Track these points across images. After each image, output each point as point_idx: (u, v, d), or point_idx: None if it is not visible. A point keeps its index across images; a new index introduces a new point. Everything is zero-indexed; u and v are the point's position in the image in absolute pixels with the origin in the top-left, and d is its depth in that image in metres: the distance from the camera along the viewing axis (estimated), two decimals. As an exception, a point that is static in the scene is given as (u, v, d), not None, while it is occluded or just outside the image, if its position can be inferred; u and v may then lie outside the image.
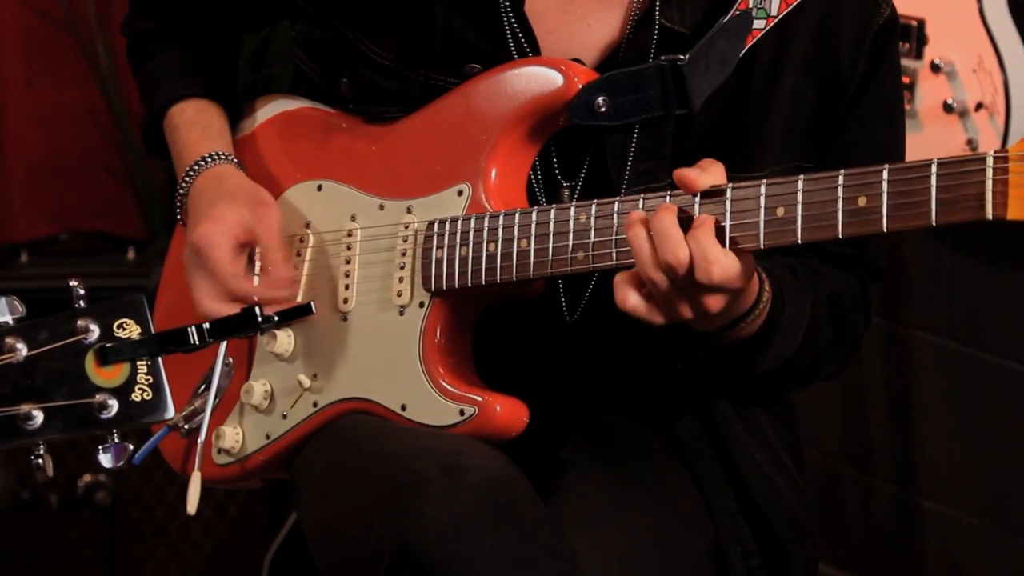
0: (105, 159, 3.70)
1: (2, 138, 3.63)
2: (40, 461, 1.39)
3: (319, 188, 2.00)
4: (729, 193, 1.70)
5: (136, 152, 3.66)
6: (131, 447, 1.43)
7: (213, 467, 1.99)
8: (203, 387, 1.96)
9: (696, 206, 1.72)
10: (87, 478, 3.07)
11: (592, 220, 1.80)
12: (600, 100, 1.85)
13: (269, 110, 2.09)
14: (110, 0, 3.58)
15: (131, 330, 1.42)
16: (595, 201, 1.80)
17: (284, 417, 1.96)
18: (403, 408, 1.88)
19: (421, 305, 1.90)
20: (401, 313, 1.91)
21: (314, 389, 1.94)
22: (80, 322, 1.41)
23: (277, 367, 1.97)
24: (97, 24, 3.58)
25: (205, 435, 1.95)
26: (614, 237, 1.78)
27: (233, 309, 1.83)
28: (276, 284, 1.90)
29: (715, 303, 1.69)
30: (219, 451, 1.98)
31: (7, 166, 3.63)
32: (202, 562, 3.22)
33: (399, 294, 1.91)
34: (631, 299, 1.73)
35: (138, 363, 1.42)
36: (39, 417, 1.39)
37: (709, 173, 1.71)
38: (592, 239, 1.79)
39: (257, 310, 1.48)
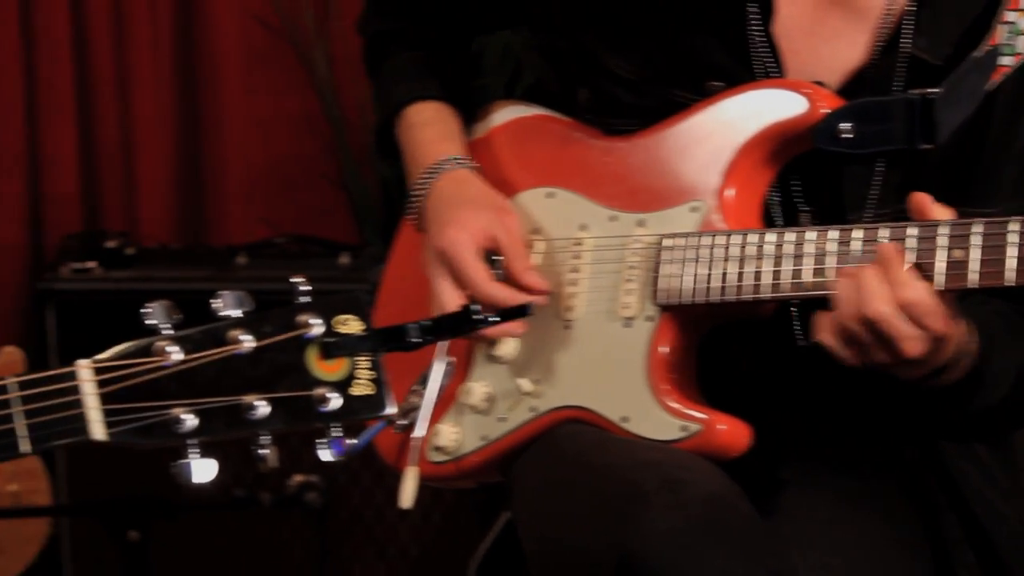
0: (320, 166, 3.75)
1: (222, 144, 3.70)
2: (264, 452, 1.41)
3: (551, 195, 2.01)
4: (947, 230, 1.68)
5: (351, 159, 3.71)
6: (350, 442, 1.44)
7: (427, 464, 2.00)
8: (419, 384, 1.97)
9: (914, 239, 1.70)
10: (298, 478, 3.11)
11: (829, 246, 1.78)
12: (845, 127, 1.83)
13: (504, 115, 2.10)
14: (328, 9, 3.64)
15: (352, 326, 1.43)
16: (836, 228, 1.78)
17: (502, 420, 1.96)
18: (624, 420, 1.88)
19: (649, 319, 1.89)
20: (627, 325, 1.91)
21: (534, 394, 1.94)
22: (303, 316, 1.43)
23: (497, 370, 1.97)
24: (316, 32, 3.63)
25: (424, 432, 1.97)
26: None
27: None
28: (517, 297, 1.90)
29: (914, 348, 1.68)
30: (435, 449, 1.99)
31: (226, 171, 3.70)
32: (409, 565, 3.24)
33: (626, 306, 1.91)
34: (826, 337, 1.72)
35: (359, 358, 1.43)
36: (263, 408, 1.40)
37: (941, 207, 1.70)
38: (827, 265, 1.77)
39: (474, 308, 1.48)
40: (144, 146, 3.66)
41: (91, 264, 3.32)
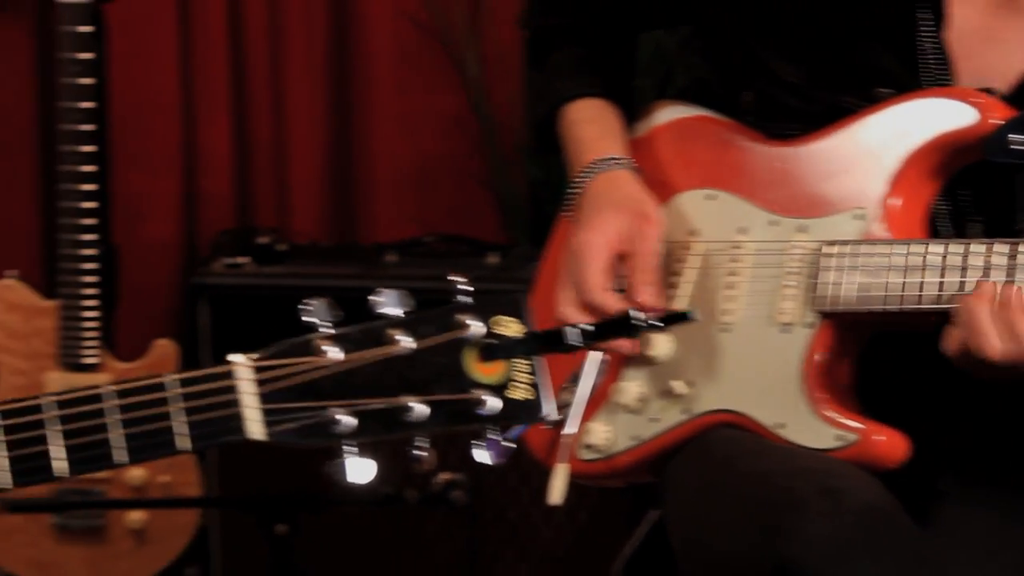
0: (469, 165, 3.75)
1: (372, 142, 3.72)
2: (421, 453, 1.41)
3: (710, 197, 1.99)
4: None
5: (499, 159, 3.71)
6: (507, 444, 1.43)
7: (578, 462, 1.99)
8: (571, 381, 1.97)
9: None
10: (444, 476, 3.11)
11: (996, 259, 1.74)
12: (1017, 138, 1.80)
13: (666, 114, 2.09)
14: (480, 8, 3.64)
15: (511, 328, 1.43)
16: (1004, 241, 1.75)
17: (654, 421, 1.95)
18: (780, 426, 1.86)
19: (808, 326, 1.87)
20: (785, 331, 1.89)
21: (687, 397, 1.93)
22: (461, 317, 1.42)
23: (651, 371, 1.96)
24: (467, 31, 3.64)
25: (575, 429, 1.96)
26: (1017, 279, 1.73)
27: (590, 317, 1.84)
28: (637, 304, 1.89)
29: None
30: (586, 447, 1.99)
31: (376, 169, 3.72)
32: (552, 566, 3.24)
33: (784, 312, 1.89)
34: (949, 349, 1.71)
35: (517, 361, 1.42)
36: (420, 409, 1.40)
37: None
38: (993, 279, 1.74)
39: (636, 314, 1.47)
40: (296, 144, 3.69)
41: (243, 260, 3.36)
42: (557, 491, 1.98)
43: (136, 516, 3.33)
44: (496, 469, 3.21)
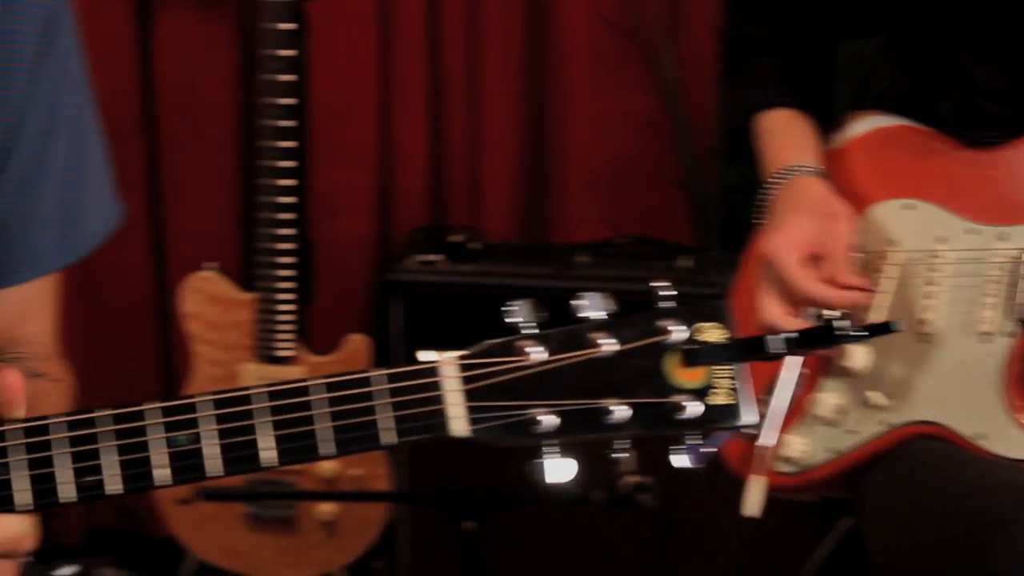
0: (662, 166, 3.75)
1: (565, 143, 3.73)
2: (621, 455, 1.41)
3: (908, 207, 1.97)
4: None
5: (692, 161, 3.70)
6: (706, 449, 1.43)
7: (774, 475, 1.98)
8: (767, 392, 1.96)
9: None
10: (632, 479, 3.11)
11: None
12: None
13: (864, 125, 2.08)
14: (676, 9, 3.63)
15: (713, 334, 1.43)
16: None
17: (851, 433, 1.93)
18: (980, 437, 1.83)
19: (1008, 335, 1.84)
20: (984, 341, 1.86)
21: (886, 408, 1.91)
22: (663, 322, 1.43)
23: (848, 382, 1.94)
24: (663, 32, 3.63)
25: (772, 441, 1.95)
26: None
27: (796, 324, 1.83)
28: (841, 297, 1.88)
29: None
30: (783, 459, 1.98)
31: (569, 169, 3.73)
32: (740, 573, 3.22)
33: (984, 321, 1.86)
34: None
35: (719, 367, 1.42)
36: (621, 412, 1.41)
37: None
38: None
39: (840, 324, 1.45)
40: (490, 143, 3.71)
41: (437, 257, 3.39)
42: (753, 503, 1.98)
43: (327, 508, 3.38)
44: (685, 474, 3.20)
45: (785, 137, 2.06)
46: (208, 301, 3.40)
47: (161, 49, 3.69)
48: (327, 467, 3.35)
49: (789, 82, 2.11)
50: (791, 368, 1.95)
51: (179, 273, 3.49)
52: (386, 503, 3.44)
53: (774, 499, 2.91)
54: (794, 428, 1.98)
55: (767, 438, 1.96)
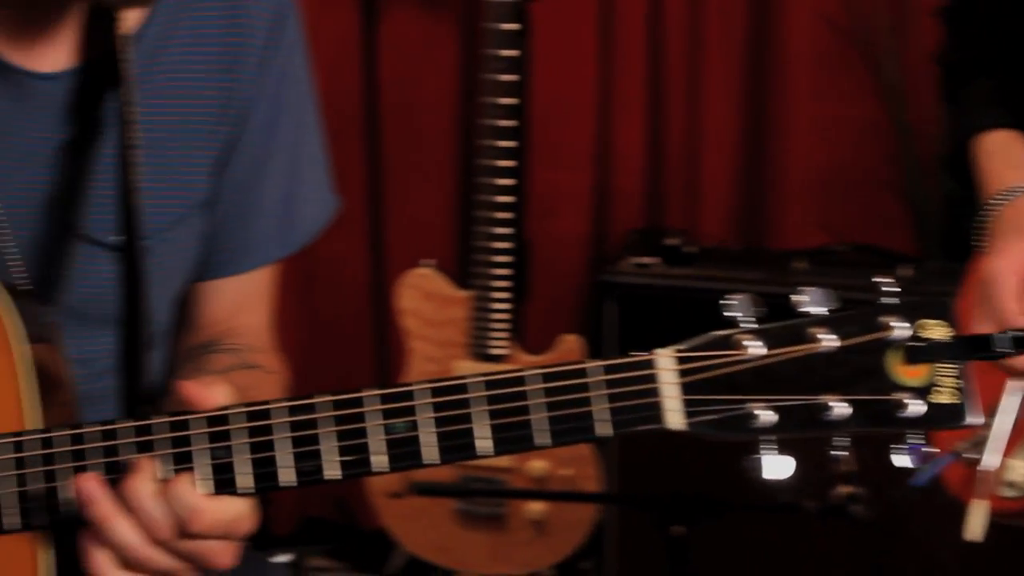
0: (882, 174, 3.69)
1: (785, 148, 3.68)
2: (840, 453, 1.39)
3: None
4: None
5: (916, 169, 3.63)
6: (931, 450, 1.40)
7: (997, 499, 1.94)
8: (990, 415, 1.92)
9: None
10: (844, 489, 3.06)
11: None
12: None
13: None
14: (903, 12, 3.57)
15: (936, 331, 1.40)
16: None
17: None
18: None
19: None
20: None
21: None
22: (885, 318, 1.40)
23: None
24: (888, 36, 3.57)
25: (995, 464, 1.91)
26: None
27: None
28: None
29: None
30: (1006, 484, 1.93)
31: (787, 174, 3.69)
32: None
33: None
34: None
35: (942, 365, 1.39)
36: (840, 409, 1.39)
37: None
38: None
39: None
40: (709, 146, 3.69)
41: (652, 260, 3.38)
42: (976, 528, 1.93)
43: (536, 507, 3.39)
44: (899, 486, 3.14)
45: (1005, 158, 2.05)
46: (424, 298, 3.43)
47: (385, 48, 3.74)
48: (537, 466, 3.36)
49: (1008, 103, 2.10)
50: (1013, 392, 1.91)
51: (396, 269, 3.53)
52: (595, 504, 3.44)
53: (996, 524, 2.85)
54: (1017, 452, 1.93)
55: (990, 461, 1.92)
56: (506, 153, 3.29)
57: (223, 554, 1.50)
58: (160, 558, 1.47)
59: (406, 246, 3.74)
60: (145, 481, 1.45)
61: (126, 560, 1.47)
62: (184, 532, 1.46)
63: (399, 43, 3.72)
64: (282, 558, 3.75)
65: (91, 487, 1.45)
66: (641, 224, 3.70)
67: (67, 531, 1.51)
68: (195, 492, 1.45)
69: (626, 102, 3.68)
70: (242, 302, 1.87)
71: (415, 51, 3.72)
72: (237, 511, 1.48)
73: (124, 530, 1.45)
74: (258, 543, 1.63)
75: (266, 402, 1.47)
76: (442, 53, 3.71)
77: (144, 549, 1.46)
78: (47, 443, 1.48)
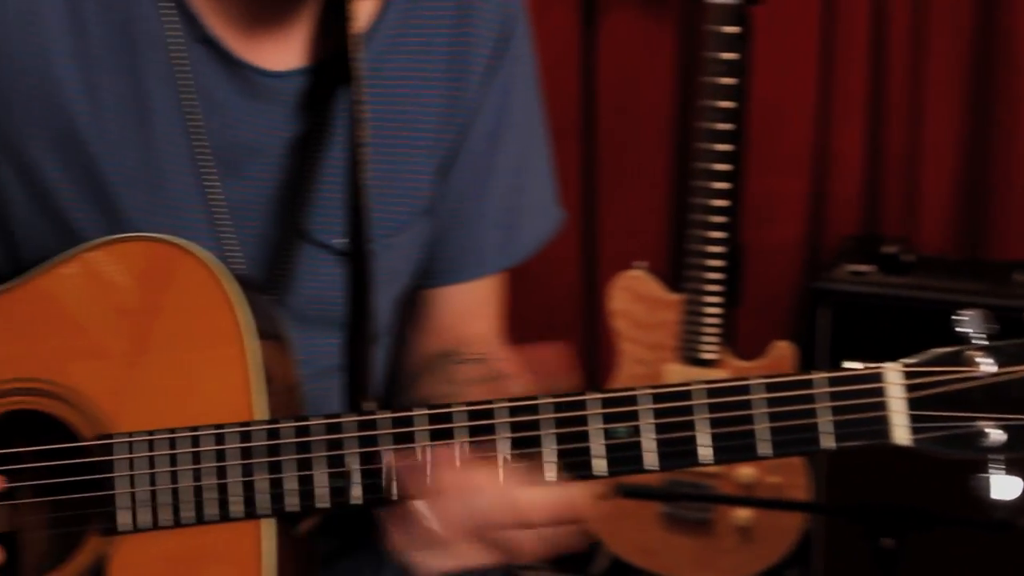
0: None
1: (1011, 155, 3.59)
2: (998, 477, 1.37)
3: None
4: None
5: None
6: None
7: None
8: None
9: None
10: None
11: None
12: None
13: None
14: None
15: None
16: None
17: None
18: None
19: None
20: None
21: None
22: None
23: None
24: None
25: None
26: None
27: None
28: None
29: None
30: None
31: (1012, 183, 3.60)
32: None
33: None
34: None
35: None
36: (996, 435, 1.36)
37: None
38: None
39: None
40: (930, 153, 3.62)
41: (868, 268, 3.33)
42: None
43: (744, 514, 3.37)
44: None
45: None
46: (636, 300, 3.43)
47: (604, 49, 3.74)
48: (745, 472, 3.33)
49: None
50: None
51: (609, 271, 3.53)
52: (803, 513, 3.40)
53: None
54: None
55: None
56: (723, 157, 3.27)
57: (529, 545, 1.48)
58: (472, 545, 1.47)
59: (619, 248, 3.74)
60: (452, 469, 1.46)
61: (436, 542, 1.47)
62: (494, 524, 1.46)
63: (618, 45, 3.72)
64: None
65: (421, 464, 1.46)
66: (857, 230, 3.65)
67: (293, 520, 1.53)
68: (519, 486, 1.45)
69: (846, 106, 3.63)
70: (468, 311, 1.88)
71: (634, 53, 3.72)
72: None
73: (442, 512, 1.46)
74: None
75: (489, 401, 1.48)
76: (660, 55, 3.70)
77: (460, 535, 1.46)
78: (302, 432, 1.50)
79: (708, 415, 1.42)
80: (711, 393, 1.42)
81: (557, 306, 3.86)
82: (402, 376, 1.87)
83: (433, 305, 1.87)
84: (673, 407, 1.43)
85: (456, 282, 1.86)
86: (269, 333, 1.58)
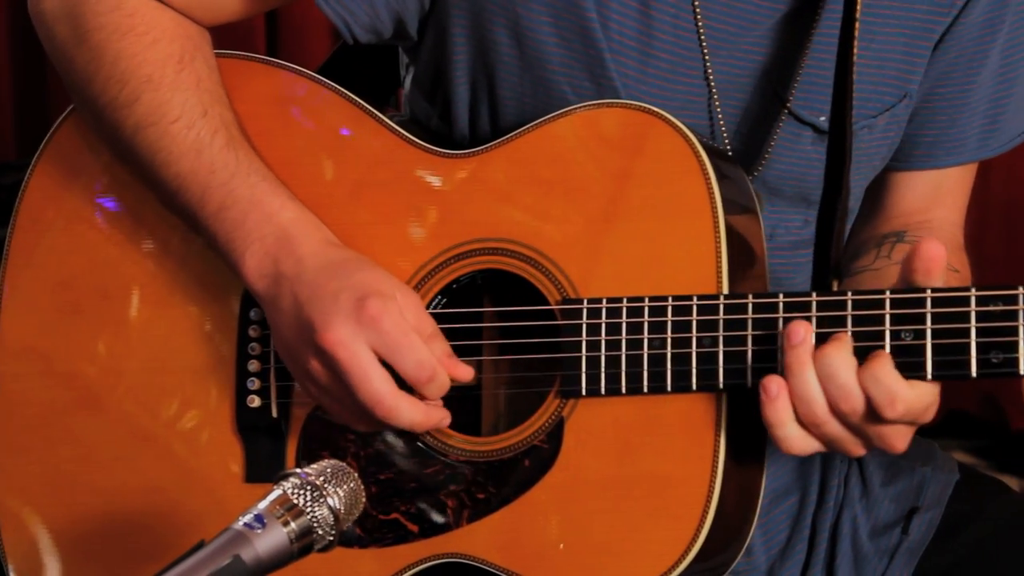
0: None
1: None
2: None
3: None
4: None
5: None
6: None
7: None
8: None
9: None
10: None
11: None
12: None
13: None
14: None
15: None
16: None
17: None
18: None
19: None
20: None
21: None
22: None
23: None
24: None
25: None
26: None
27: None
28: None
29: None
30: None
31: None
32: None
33: None
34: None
35: None
36: None
37: None
38: None
39: None
40: None
41: None
42: None
43: None
44: None
45: None
46: None
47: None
48: None
49: None
50: None
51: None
52: None
53: None
54: None
55: None
56: None
57: (903, 439, 1.48)
58: (836, 427, 1.47)
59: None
60: (844, 352, 1.45)
61: (803, 417, 1.47)
62: (875, 415, 1.45)
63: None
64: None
65: (801, 331, 1.46)
66: None
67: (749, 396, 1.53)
68: (896, 377, 1.44)
69: None
70: (938, 196, 1.84)
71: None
72: (932, 399, 1.47)
73: (812, 387, 1.45)
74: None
75: (958, 289, 1.45)
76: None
77: (825, 413, 1.46)
78: (768, 308, 1.49)
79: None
80: None
81: (1019, 193, 3.72)
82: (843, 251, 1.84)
83: (901, 187, 1.83)
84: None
85: (931, 168, 1.82)
86: (740, 206, 1.57)
